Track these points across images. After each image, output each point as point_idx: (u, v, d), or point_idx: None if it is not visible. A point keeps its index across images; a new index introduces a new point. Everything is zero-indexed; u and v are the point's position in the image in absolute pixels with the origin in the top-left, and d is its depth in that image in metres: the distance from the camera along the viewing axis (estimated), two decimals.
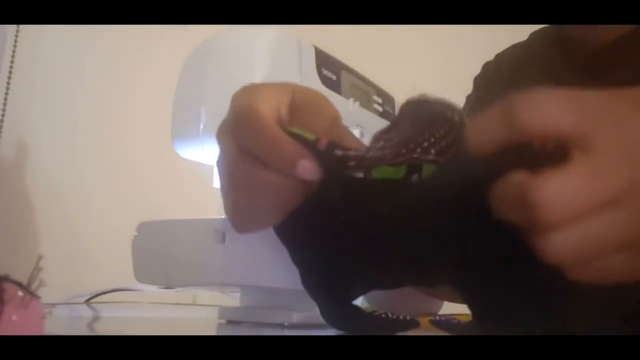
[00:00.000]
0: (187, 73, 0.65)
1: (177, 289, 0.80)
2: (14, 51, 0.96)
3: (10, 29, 0.96)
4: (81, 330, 0.53)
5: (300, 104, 0.40)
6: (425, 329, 0.52)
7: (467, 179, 0.32)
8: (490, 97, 0.74)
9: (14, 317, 0.28)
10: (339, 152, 0.36)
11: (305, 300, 0.49)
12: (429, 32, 1.23)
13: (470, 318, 0.42)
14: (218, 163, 0.41)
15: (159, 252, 0.58)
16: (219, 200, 0.41)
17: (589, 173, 0.28)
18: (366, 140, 0.69)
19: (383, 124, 0.76)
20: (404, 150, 0.34)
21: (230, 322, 0.62)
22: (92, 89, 1.12)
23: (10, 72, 0.95)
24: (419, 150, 0.33)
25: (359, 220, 0.37)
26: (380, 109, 0.76)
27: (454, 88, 1.25)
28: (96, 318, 0.71)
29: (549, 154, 0.29)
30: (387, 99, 0.78)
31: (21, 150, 1.01)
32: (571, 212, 0.27)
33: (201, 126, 0.60)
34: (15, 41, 0.96)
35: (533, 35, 0.76)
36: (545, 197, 0.27)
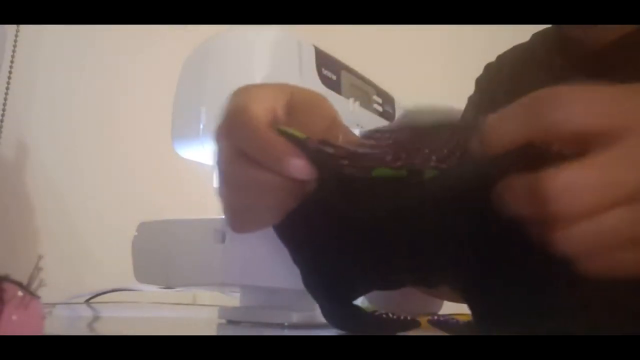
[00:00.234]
0: (187, 73, 0.65)
1: (177, 289, 0.80)
2: (14, 51, 0.96)
3: (10, 29, 0.96)
4: (81, 330, 0.53)
5: (298, 104, 0.40)
6: (424, 329, 0.52)
7: (471, 179, 0.32)
8: (492, 98, 0.74)
9: (14, 317, 0.28)
10: (329, 150, 0.35)
11: (305, 300, 0.49)
12: (429, 32, 1.23)
13: (469, 318, 0.42)
14: (216, 163, 0.41)
15: (159, 252, 0.58)
16: (219, 200, 0.41)
17: (608, 166, 0.27)
18: None
19: (383, 123, 0.76)
20: (404, 155, 0.34)
21: (230, 322, 0.62)
22: (92, 89, 1.12)
23: (10, 72, 0.95)
24: (419, 157, 0.33)
25: (358, 219, 0.37)
26: (380, 109, 0.76)
27: (454, 88, 1.25)
28: (96, 318, 0.71)
29: (564, 156, 0.29)
30: (387, 99, 0.78)
31: (21, 150, 1.01)
32: (587, 204, 0.27)
33: (201, 126, 0.60)
34: (15, 41, 0.96)
35: (535, 36, 0.76)
36: (562, 188, 0.27)
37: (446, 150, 0.33)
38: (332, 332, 0.47)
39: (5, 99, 0.95)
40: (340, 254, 0.39)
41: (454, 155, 0.33)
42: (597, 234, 0.28)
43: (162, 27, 0.90)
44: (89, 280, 0.97)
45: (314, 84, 0.65)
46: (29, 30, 0.97)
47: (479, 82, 0.80)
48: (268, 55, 0.61)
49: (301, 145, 0.36)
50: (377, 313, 0.47)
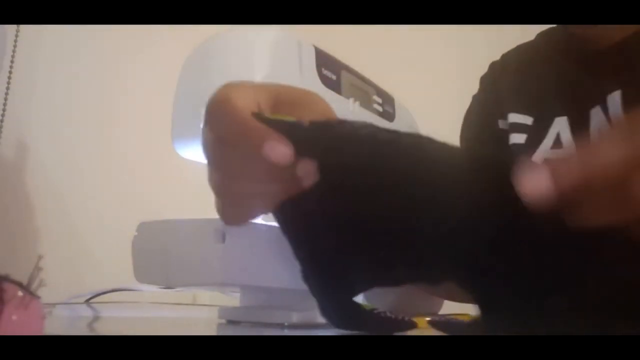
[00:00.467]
0: (187, 73, 0.65)
1: (177, 289, 0.80)
2: (14, 51, 0.96)
3: (10, 29, 0.96)
4: (81, 330, 0.53)
5: (284, 101, 0.40)
6: (424, 330, 0.52)
7: (484, 180, 0.31)
8: (497, 96, 0.74)
9: (14, 317, 0.28)
10: (322, 122, 0.35)
11: (305, 300, 0.49)
12: (429, 32, 1.23)
13: (469, 317, 0.41)
14: (204, 155, 0.41)
15: (159, 252, 0.58)
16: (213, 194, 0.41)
17: None
18: None
19: (383, 123, 0.76)
20: None
21: (230, 322, 0.62)
22: (92, 89, 1.12)
23: (10, 72, 0.95)
24: None
25: (360, 213, 0.36)
26: (380, 109, 0.76)
27: (454, 88, 1.25)
28: (96, 318, 0.71)
29: None
30: (387, 99, 0.78)
31: (21, 150, 1.01)
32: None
33: (201, 126, 0.60)
34: (15, 41, 0.96)
35: (540, 35, 0.76)
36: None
37: None
38: (332, 332, 0.47)
39: (5, 99, 0.95)
40: (340, 247, 0.39)
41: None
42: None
43: (162, 27, 0.90)
44: (89, 280, 0.97)
45: (314, 84, 0.65)
46: (29, 30, 0.97)
47: (483, 80, 0.80)
48: (268, 55, 0.61)
49: (293, 128, 0.35)
50: (376, 311, 0.47)
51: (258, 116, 0.36)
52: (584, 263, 0.31)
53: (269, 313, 0.59)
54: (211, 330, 0.58)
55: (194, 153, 0.64)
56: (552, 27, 0.74)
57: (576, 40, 0.68)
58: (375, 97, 0.75)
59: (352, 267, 0.40)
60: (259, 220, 0.55)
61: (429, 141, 0.33)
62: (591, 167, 0.28)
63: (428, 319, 0.52)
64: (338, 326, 0.46)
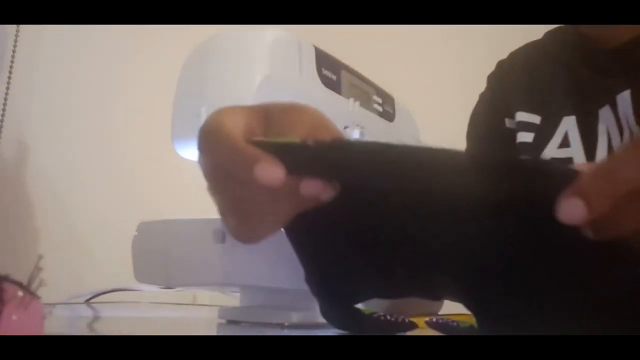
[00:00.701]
0: (187, 73, 0.65)
1: (177, 289, 0.80)
2: (14, 51, 0.96)
3: (10, 29, 0.96)
4: (81, 330, 0.53)
5: (274, 116, 0.40)
6: (423, 330, 0.52)
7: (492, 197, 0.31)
8: (505, 95, 0.74)
9: (14, 317, 0.28)
10: (328, 141, 0.34)
11: (305, 300, 0.49)
12: (429, 32, 1.23)
13: (466, 318, 0.41)
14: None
15: (159, 252, 0.58)
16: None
17: None
18: (367, 139, 0.69)
19: (383, 124, 0.76)
20: None
21: (230, 322, 0.62)
22: (92, 89, 1.12)
23: (10, 72, 0.95)
24: None
25: (366, 224, 0.36)
26: (380, 109, 0.76)
27: (454, 88, 1.25)
28: (96, 318, 0.71)
29: None
30: (387, 99, 0.78)
31: (21, 150, 1.01)
32: None
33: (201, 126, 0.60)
34: (15, 41, 0.96)
35: (548, 34, 0.76)
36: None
37: None
38: (332, 332, 0.47)
39: (5, 99, 0.95)
40: (347, 259, 0.39)
41: None
42: None
43: (162, 27, 0.90)
44: (89, 280, 0.97)
45: (314, 84, 0.65)
46: (29, 30, 0.97)
47: (490, 79, 0.80)
48: (268, 55, 0.61)
49: (292, 148, 0.34)
50: (375, 315, 0.47)
51: (252, 141, 0.35)
52: (594, 268, 0.31)
53: (269, 313, 0.59)
54: (211, 330, 0.58)
55: (194, 153, 0.64)
56: (560, 26, 0.74)
57: (585, 39, 0.68)
58: (375, 97, 0.75)
59: (358, 278, 0.40)
60: None
61: (433, 152, 0.31)
62: (622, 187, 0.28)
63: (426, 319, 0.52)
64: (339, 327, 0.46)
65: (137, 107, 1.17)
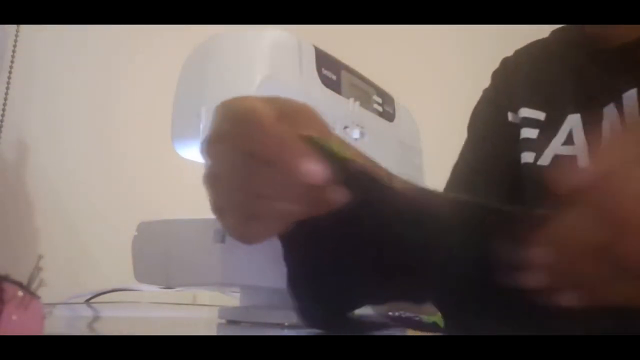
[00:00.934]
0: (187, 73, 0.65)
1: (177, 289, 0.80)
2: (14, 51, 0.96)
3: (10, 29, 0.96)
4: (81, 330, 0.53)
5: (289, 114, 0.39)
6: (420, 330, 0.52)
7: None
8: (510, 92, 0.74)
9: (14, 317, 0.28)
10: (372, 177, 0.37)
11: None
12: (429, 32, 1.23)
13: (429, 317, 0.43)
14: (210, 177, 0.40)
15: (159, 252, 0.58)
16: (218, 215, 0.41)
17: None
18: (367, 139, 0.69)
19: (383, 124, 0.76)
20: None
21: (230, 322, 0.62)
22: (92, 89, 1.12)
23: (10, 72, 0.95)
24: None
25: (373, 241, 0.38)
26: (380, 109, 0.76)
27: (454, 87, 1.25)
28: (96, 318, 0.71)
29: None
30: (387, 99, 0.78)
31: (21, 150, 1.01)
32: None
33: (201, 126, 0.60)
34: (15, 41, 0.96)
35: (555, 32, 0.76)
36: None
37: None
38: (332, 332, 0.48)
39: (5, 99, 0.95)
40: (345, 268, 0.40)
41: None
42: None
43: (162, 27, 0.90)
44: (89, 280, 0.97)
45: (314, 84, 0.65)
46: (29, 30, 0.97)
47: (495, 75, 0.80)
48: (268, 55, 0.61)
49: (343, 164, 0.36)
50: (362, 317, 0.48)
51: (303, 136, 0.36)
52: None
53: (269, 313, 0.59)
54: (211, 330, 0.58)
55: (194, 153, 0.64)
56: (565, 25, 0.74)
57: (590, 38, 0.68)
58: (375, 97, 0.75)
59: (352, 285, 0.42)
60: None
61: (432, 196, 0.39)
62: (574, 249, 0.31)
63: (390, 313, 0.52)
64: (320, 327, 0.46)
65: (137, 107, 1.17)
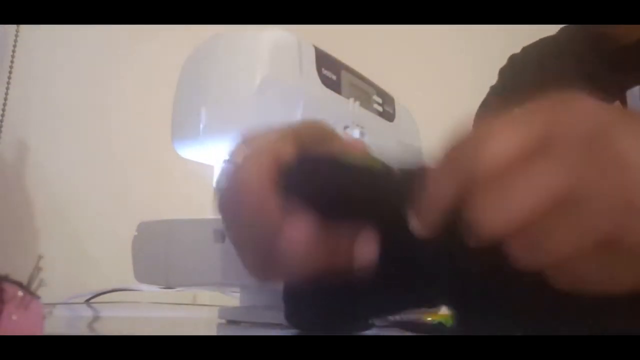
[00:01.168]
0: (187, 73, 0.65)
1: (177, 289, 0.80)
2: (14, 51, 0.96)
3: (10, 29, 0.96)
4: (81, 330, 0.53)
5: (305, 139, 0.39)
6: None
7: None
8: (517, 89, 0.74)
9: (14, 317, 0.28)
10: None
11: None
12: (429, 32, 1.23)
13: (438, 317, 0.42)
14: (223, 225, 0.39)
15: (159, 252, 0.58)
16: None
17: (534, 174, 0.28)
18: (367, 139, 0.69)
19: (383, 123, 0.76)
20: None
21: (230, 322, 0.62)
22: (92, 89, 1.12)
23: (10, 72, 0.95)
24: None
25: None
26: (380, 109, 0.76)
27: (454, 87, 1.25)
28: (96, 318, 0.71)
29: None
30: (387, 99, 0.78)
31: (21, 150, 1.01)
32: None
33: (201, 126, 0.60)
34: (15, 41, 0.96)
35: (563, 30, 0.76)
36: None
37: None
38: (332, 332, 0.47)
39: (5, 99, 0.95)
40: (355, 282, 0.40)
41: None
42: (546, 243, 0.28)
43: (161, 27, 0.90)
44: (89, 280, 0.97)
45: (314, 84, 0.65)
46: (29, 30, 0.97)
47: (502, 72, 0.80)
48: (268, 55, 0.61)
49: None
50: None
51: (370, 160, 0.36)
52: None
53: (269, 313, 0.59)
54: (211, 330, 0.58)
55: (194, 153, 0.64)
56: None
57: (602, 35, 0.68)
58: (375, 97, 0.75)
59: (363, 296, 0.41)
60: None
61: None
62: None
63: (391, 318, 0.52)
64: (299, 329, 0.46)
65: (137, 107, 1.17)
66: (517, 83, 0.76)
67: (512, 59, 0.80)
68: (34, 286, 0.29)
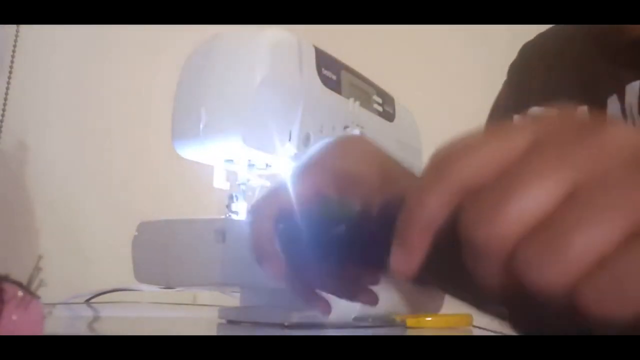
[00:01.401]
0: (187, 73, 0.65)
1: (177, 289, 0.80)
2: (14, 51, 0.96)
3: (10, 29, 0.96)
4: (81, 330, 0.53)
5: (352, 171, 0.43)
6: (419, 329, 0.52)
7: None
8: (526, 87, 0.74)
9: (14, 317, 0.28)
10: None
11: None
12: (429, 32, 1.23)
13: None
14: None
15: (159, 252, 0.58)
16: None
17: None
18: None
19: (383, 123, 0.76)
20: None
21: (230, 322, 0.62)
22: (92, 89, 1.12)
23: (10, 72, 0.95)
24: None
25: None
26: (380, 109, 0.76)
27: (454, 87, 1.25)
28: (96, 318, 0.71)
29: None
30: (387, 99, 0.78)
31: (21, 150, 1.01)
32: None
33: (201, 126, 0.60)
34: (15, 41, 0.96)
35: (562, 26, 0.76)
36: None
37: None
38: (332, 332, 0.48)
39: (5, 99, 0.95)
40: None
41: None
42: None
43: (162, 27, 0.90)
44: (89, 280, 0.97)
45: (314, 84, 0.65)
46: (29, 30, 0.97)
47: (511, 69, 0.80)
48: (268, 55, 0.61)
49: None
50: None
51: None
52: None
53: (269, 313, 0.59)
54: (211, 330, 0.58)
55: (194, 153, 0.64)
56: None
57: (606, 30, 0.68)
58: (375, 97, 0.75)
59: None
60: None
61: None
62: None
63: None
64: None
65: (137, 107, 1.17)
66: (522, 83, 0.76)
67: (523, 52, 0.79)
68: (34, 286, 0.29)
